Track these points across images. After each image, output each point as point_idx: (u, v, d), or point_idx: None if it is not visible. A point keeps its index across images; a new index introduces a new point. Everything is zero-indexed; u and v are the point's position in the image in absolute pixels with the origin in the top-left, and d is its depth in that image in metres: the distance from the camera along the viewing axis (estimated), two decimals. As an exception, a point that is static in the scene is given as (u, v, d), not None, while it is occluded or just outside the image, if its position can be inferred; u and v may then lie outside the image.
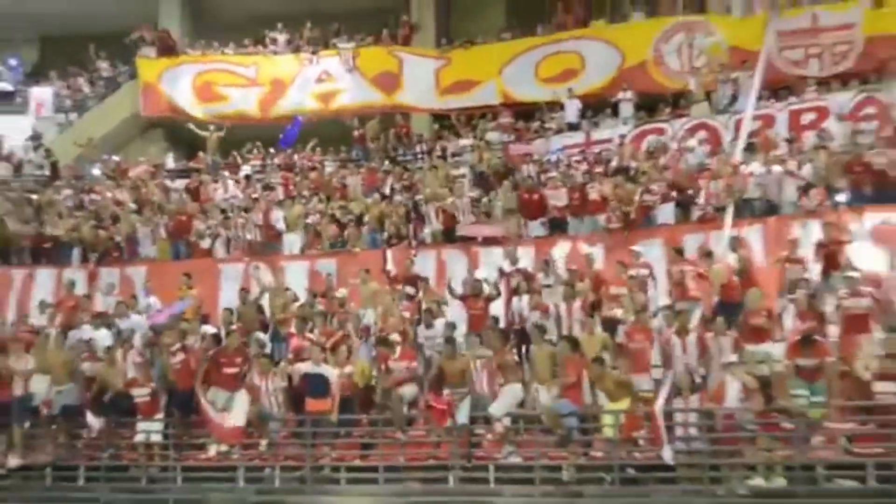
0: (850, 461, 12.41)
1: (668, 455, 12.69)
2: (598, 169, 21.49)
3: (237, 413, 14.83)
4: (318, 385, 14.72)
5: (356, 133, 27.58)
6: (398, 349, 15.17)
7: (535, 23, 29.56)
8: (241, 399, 14.93)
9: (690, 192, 19.41)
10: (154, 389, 15.55)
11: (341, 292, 18.03)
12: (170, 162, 28.90)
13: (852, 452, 12.54)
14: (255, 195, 23.66)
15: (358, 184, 23.74)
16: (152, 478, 15.28)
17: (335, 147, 27.82)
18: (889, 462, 12.13)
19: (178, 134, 30.93)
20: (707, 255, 16.56)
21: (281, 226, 21.52)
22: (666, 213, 19.36)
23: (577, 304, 15.87)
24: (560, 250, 18.98)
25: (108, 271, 21.38)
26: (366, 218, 21.49)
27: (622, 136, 23.74)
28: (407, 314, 16.75)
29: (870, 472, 12.17)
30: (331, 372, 14.76)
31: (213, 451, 15.10)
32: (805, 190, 18.38)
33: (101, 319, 18.05)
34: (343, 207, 22.37)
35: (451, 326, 15.87)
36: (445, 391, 14.27)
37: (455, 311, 16.96)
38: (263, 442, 14.93)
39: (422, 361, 15.57)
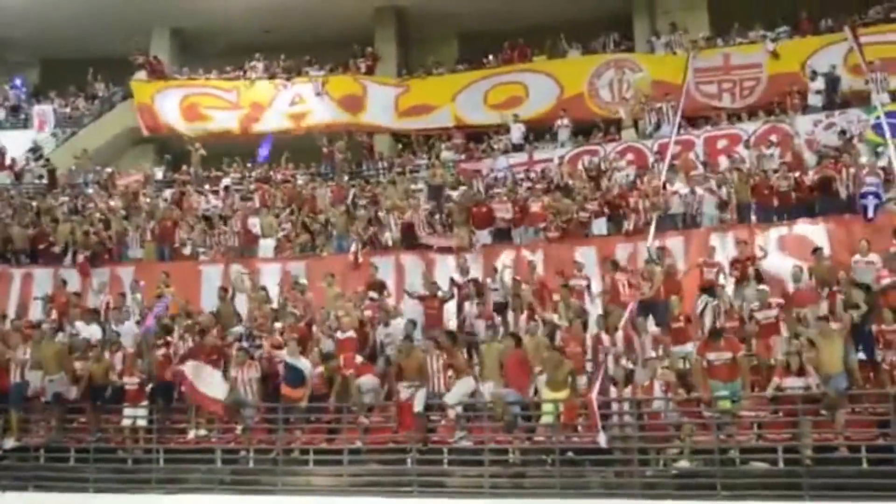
0: (762, 445, 12.36)
1: (602, 440, 12.48)
2: (540, 185, 21.27)
3: (217, 389, 14.43)
4: (295, 375, 14.38)
5: (325, 150, 27.10)
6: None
7: (484, 56, 29.42)
8: (220, 379, 14.52)
9: (620, 208, 19.20)
10: (142, 379, 15.16)
11: (302, 284, 17.77)
12: (158, 173, 28.16)
13: (764, 438, 12.49)
14: (234, 205, 23.16)
15: (326, 195, 23.26)
16: (137, 459, 14.91)
17: (306, 162, 27.36)
18: (795, 446, 12.03)
19: (166, 148, 30.32)
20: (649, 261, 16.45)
21: (257, 231, 21.01)
22: (599, 225, 19.15)
23: (524, 314, 15.62)
24: (505, 258, 18.63)
25: (100, 271, 20.67)
26: (332, 226, 21.00)
27: (561, 157, 23.59)
28: (369, 313, 16.44)
29: (779, 455, 12.12)
30: (306, 365, 14.44)
31: (192, 434, 14.76)
32: (720, 207, 18.32)
33: (92, 316, 17.51)
34: (312, 216, 21.91)
35: (412, 324, 15.50)
36: (404, 384, 13.92)
37: (412, 312, 16.63)
38: (239, 426, 14.63)
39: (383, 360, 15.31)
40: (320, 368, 14.60)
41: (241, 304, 17.89)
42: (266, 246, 20.92)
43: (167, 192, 25.20)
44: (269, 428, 14.59)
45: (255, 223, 21.16)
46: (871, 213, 16.95)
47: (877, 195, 17.12)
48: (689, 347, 13.96)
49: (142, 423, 14.98)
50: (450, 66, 30.03)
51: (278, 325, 15.96)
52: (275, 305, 17.40)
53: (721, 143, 22.32)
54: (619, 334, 14.30)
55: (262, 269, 19.86)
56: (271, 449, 14.28)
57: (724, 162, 20.65)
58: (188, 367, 14.50)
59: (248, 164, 27.42)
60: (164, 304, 17.22)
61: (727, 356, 12.71)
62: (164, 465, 14.59)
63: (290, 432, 14.40)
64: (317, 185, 24.65)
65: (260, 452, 14.35)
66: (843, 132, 20.36)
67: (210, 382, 14.49)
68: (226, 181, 26.16)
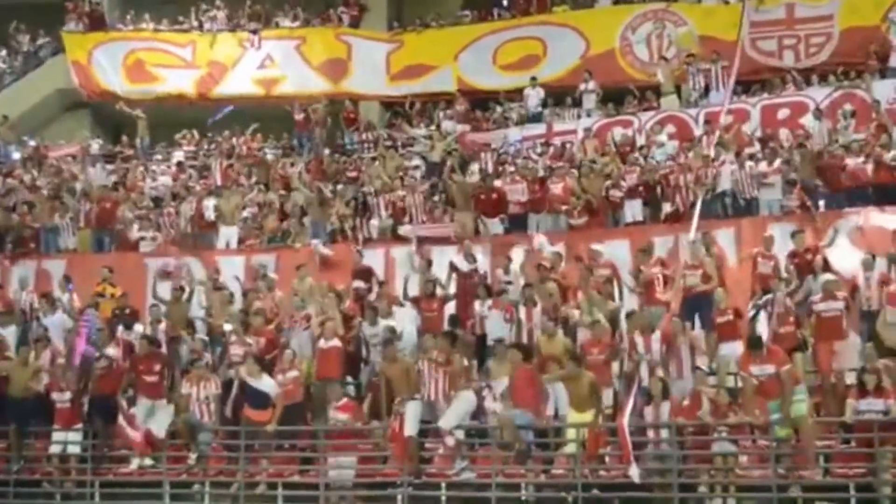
0: (830, 482, 12.29)
1: (635, 473, 12.40)
2: (561, 162, 21.24)
3: (158, 424, 14.42)
4: (258, 395, 14.39)
5: (299, 117, 27.01)
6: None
7: (494, 5, 29.34)
8: (163, 410, 14.44)
9: (659, 189, 19.17)
10: (74, 394, 15.15)
11: (271, 279, 17.86)
12: (95, 146, 28.07)
13: (832, 472, 12.44)
14: (188, 184, 23.14)
15: (301, 173, 23.21)
16: (67, 494, 14.86)
17: (276, 133, 27.28)
18: (871, 483, 12.01)
19: (106, 115, 30.27)
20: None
21: (211, 215, 20.99)
22: (633, 210, 19.12)
23: (538, 308, 15.49)
24: (520, 250, 18.59)
25: (23, 264, 20.62)
26: (308, 210, 21.01)
27: (586, 129, 23.48)
28: (350, 312, 16.48)
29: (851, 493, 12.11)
30: (271, 385, 14.43)
31: (135, 464, 14.77)
32: (782, 191, 18.28)
33: (10, 316, 17.55)
34: (284, 198, 21.90)
35: (392, 331, 15.46)
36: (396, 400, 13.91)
37: (410, 314, 16.62)
38: (192, 455, 14.56)
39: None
40: (293, 373, 14.57)
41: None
42: (227, 234, 20.91)
43: (107, 169, 25.08)
44: (229, 457, 14.53)
45: (210, 206, 21.15)
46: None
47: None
48: (739, 347, 13.87)
49: (74, 449, 14.93)
50: (452, 18, 29.92)
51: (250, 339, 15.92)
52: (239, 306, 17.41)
53: (782, 114, 22.29)
54: (656, 336, 14.10)
55: (222, 263, 19.85)
56: (232, 482, 14.23)
57: (786, 136, 20.58)
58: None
59: (207, 136, 27.40)
60: (88, 322, 17.11)
61: (769, 370, 12.48)
62: (99, 502, 14.53)
63: (254, 462, 14.35)
64: (290, 160, 24.57)
65: (217, 486, 14.30)
66: (932, 100, 20.31)
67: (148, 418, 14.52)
68: (178, 155, 26.09)
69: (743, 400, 12.99)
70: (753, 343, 13.00)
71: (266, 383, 14.41)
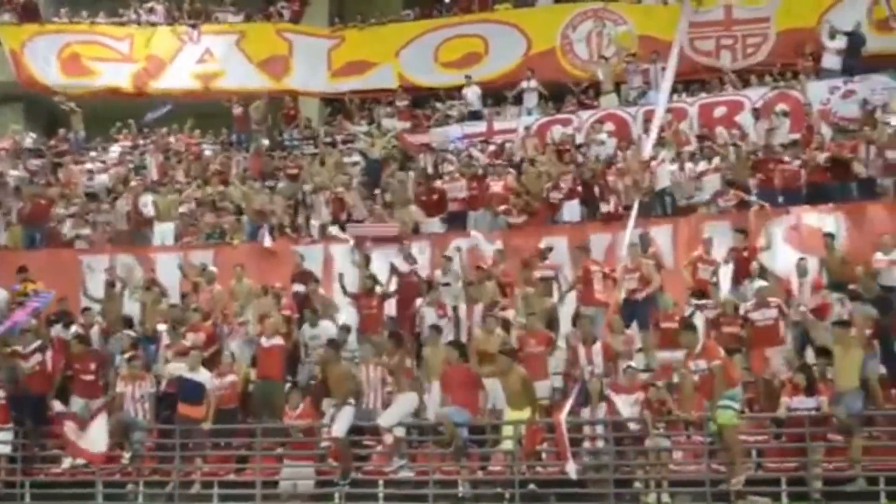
0: (763, 476, 12.47)
1: (572, 469, 12.48)
2: (501, 160, 21.32)
3: (96, 437, 14.21)
4: (192, 390, 14.31)
5: (237, 113, 26.78)
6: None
7: (436, 3, 29.37)
8: (100, 422, 14.31)
9: (597, 189, 19.29)
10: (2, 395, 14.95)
11: (211, 272, 17.79)
12: (28, 140, 27.62)
13: (765, 467, 12.65)
14: (124, 180, 22.89)
15: (239, 169, 23.01)
16: (-6, 495, 14.64)
17: (214, 128, 27.03)
18: (802, 477, 12.20)
19: (39, 109, 29.83)
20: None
21: (149, 212, 20.79)
22: (571, 210, 19.24)
23: (479, 306, 15.52)
24: (458, 247, 18.61)
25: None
26: (246, 207, 20.90)
27: (527, 127, 23.59)
28: (287, 312, 16.38)
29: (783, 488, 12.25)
30: (206, 377, 14.37)
31: (66, 464, 14.56)
32: (718, 190, 18.47)
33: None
34: (222, 195, 21.72)
35: (346, 329, 15.38)
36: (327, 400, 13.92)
37: (347, 312, 16.63)
38: (126, 454, 14.43)
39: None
40: (231, 377, 14.48)
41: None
42: (163, 231, 20.70)
43: (40, 163, 24.81)
44: (164, 456, 14.40)
45: (147, 202, 20.94)
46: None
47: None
48: (679, 355, 14.00)
49: (3, 449, 14.74)
50: (394, 15, 29.83)
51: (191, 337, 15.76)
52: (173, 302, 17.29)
53: (719, 112, 22.49)
54: (598, 346, 14.12)
55: (158, 260, 19.68)
56: (166, 482, 14.11)
57: (722, 135, 20.82)
58: (68, 430, 14.31)
59: (144, 131, 27.09)
60: (45, 298, 16.92)
61: (703, 366, 12.35)
62: (30, 503, 14.33)
63: (189, 461, 14.24)
64: (228, 156, 24.44)
65: (152, 486, 14.20)
66: (864, 102, 20.61)
67: (93, 437, 14.29)
68: (114, 151, 25.75)
69: (680, 396, 13.09)
70: (688, 327, 13.05)
71: (203, 375, 14.34)
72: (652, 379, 13.83)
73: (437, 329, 14.86)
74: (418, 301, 16.44)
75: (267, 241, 19.44)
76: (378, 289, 16.76)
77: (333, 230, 19.73)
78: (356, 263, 17.57)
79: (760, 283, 15.01)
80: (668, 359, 14.28)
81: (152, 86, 29.30)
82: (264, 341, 15.20)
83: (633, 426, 13.05)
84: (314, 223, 20.25)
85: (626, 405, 13.12)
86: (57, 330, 16.41)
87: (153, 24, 30.13)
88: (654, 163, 19.21)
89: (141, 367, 14.94)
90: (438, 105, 26.37)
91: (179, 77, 29.33)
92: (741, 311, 14.78)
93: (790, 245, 17.11)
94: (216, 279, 17.74)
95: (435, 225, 19.85)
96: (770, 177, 18.37)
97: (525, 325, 14.73)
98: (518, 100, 25.35)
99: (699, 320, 14.73)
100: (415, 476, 13.45)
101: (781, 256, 16.65)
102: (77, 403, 14.90)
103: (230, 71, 29.23)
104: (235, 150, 25.68)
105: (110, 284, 17.94)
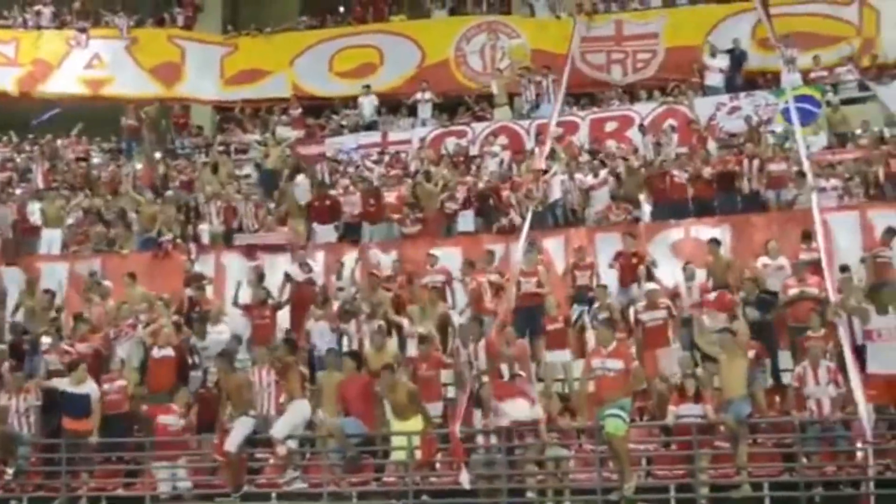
0: (652, 483, 12.67)
1: (465, 479, 12.53)
2: (395, 171, 21.40)
3: None
4: (77, 403, 14.03)
5: (128, 122, 26.21)
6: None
7: (330, 12, 29.36)
8: None
9: (491, 200, 19.45)
10: None
11: (106, 287, 17.48)
12: None
13: (653, 474, 12.86)
14: (8, 187, 22.51)
15: (129, 178, 22.59)
16: None
17: (103, 134, 26.49)
18: (690, 483, 12.44)
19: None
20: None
21: (37, 220, 20.33)
22: (466, 221, 19.35)
23: (374, 321, 15.49)
24: (351, 257, 18.59)
25: None
26: (135, 216, 20.53)
27: (421, 138, 23.72)
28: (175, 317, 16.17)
29: (671, 494, 12.50)
30: (92, 388, 14.11)
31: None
32: (608, 202, 18.83)
33: None
34: (110, 203, 21.38)
35: (237, 340, 15.21)
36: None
37: (236, 325, 16.40)
38: (9, 469, 14.13)
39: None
40: (121, 382, 14.25)
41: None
42: (50, 239, 20.24)
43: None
44: (49, 471, 14.08)
45: (34, 209, 20.46)
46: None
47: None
48: (567, 355, 14.28)
49: None
50: (288, 23, 29.64)
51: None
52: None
53: (610, 126, 22.93)
54: (481, 344, 14.11)
55: (45, 269, 19.26)
56: (53, 497, 13.81)
57: (612, 148, 21.16)
58: None
59: (28, 136, 26.47)
60: None
61: (616, 365, 12.23)
62: None
63: (75, 476, 13.95)
64: (118, 164, 23.99)
65: (37, 502, 13.88)
66: (748, 118, 21.26)
67: None
68: (-4, 156, 25.08)
69: (576, 402, 13.29)
70: (604, 323, 13.24)
71: (88, 387, 14.07)
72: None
73: (333, 353, 14.65)
74: (307, 314, 16.28)
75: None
76: (270, 300, 16.60)
77: (238, 238, 19.56)
78: (249, 282, 17.28)
79: (650, 285, 15.29)
80: (556, 361, 14.64)
81: (38, 90, 28.68)
82: (156, 352, 15.00)
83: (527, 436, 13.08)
84: (204, 230, 19.96)
85: (518, 411, 13.07)
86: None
87: (40, 28, 29.44)
88: (546, 175, 19.45)
89: (24, 377, 14.58)
90: (333, 115, 26.24)
91: (67, 82, 28.83)
92: (630, 314, 15.09)
93: (677, 257, 17.45)
94: (110, 294, 17.36)
95: (327, 232, 19.73)
96: (660, 191, 18.75)
97: (420, 344, 14.64)
98: (413, 111, 25.42)
99: (586, 323, 15.21)
100: (308, 488, 13.31)
101: (668, 268, 16.97)
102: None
103: (120, 77, 28.76)
104: (125, 157, 25.22)
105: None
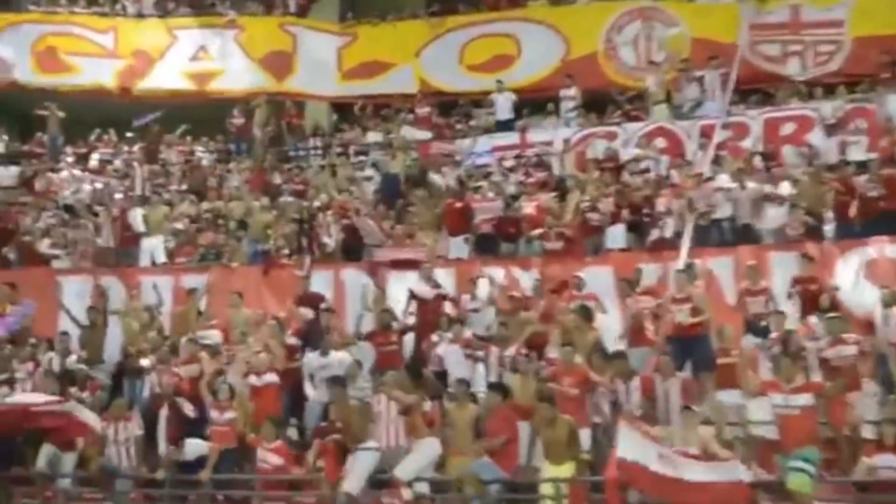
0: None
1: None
2: (536, 177, 21.39)
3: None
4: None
5: (236, 121, 26.80)
6: None
7: (459, -1, 29.52)
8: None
9: (646, 211, 19.22)
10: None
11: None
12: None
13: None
14: (108, 191, 23.13)
15: (239, 183, 23.06)
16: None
17: (211, 135, 27.13)
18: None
19: (11, 110, 29.83)
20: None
21: (140, 227, 20.96)
22: (616, 236, 19.18)
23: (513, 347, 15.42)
24: (487, 276, 18.55)
25: None
26: (248, 225, 20.95)
27: (565, 140, 23.49)
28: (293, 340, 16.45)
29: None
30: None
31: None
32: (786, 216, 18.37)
33: None
34: (216, 210, 21.88)
35: (358, 365, 15.35)
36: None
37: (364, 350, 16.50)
38: (106, 504, 14.46)
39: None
40: (230, 414, 14.42)
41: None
42: (152, 247, 20.77)
43: (12, 171, 24.95)
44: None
45: (136, 215, 21.05)
46: None
47: None
48: (738, 397, 13.87)
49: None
50: (413, 10, 29.94)
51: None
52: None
53: (787, 129, 22.36)
54: (634, 383, 14.01)
55: (145, 283, 19.57)
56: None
57: (790, 154, 20.74)
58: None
59: (127, 136, 27.28)
60: (22, 312, 17.05)
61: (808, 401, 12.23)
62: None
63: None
64: (227, 168, 24.53)
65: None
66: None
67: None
68: (94, 158, 25.95)
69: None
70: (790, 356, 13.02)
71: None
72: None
73: (465, 384, 14.51)
74: (435, 337, 16.34)
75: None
76: (395, 324, 16.68)
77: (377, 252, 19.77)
78: (371, 300, 17.40)
79: (832, 315, 14.90)
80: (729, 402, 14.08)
81: (139, 85, 29.56)
82: (255, 380, 15.27)
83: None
84: (326, 241, 20.20)
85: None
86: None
87: (141, 16, 30.30)
88: (710, 184, 19.13)
89: (126, 404, 14.96)
90: (464, 113, 26.35)
91: (170, 76, 29.61)
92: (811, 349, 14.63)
93: (869, 280, 16.97)
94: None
95: (459, 246, 19.83)
96: (847, 202, 18.22)
97: (561, 360, 14.57)
98: (556, 110, 25.28)
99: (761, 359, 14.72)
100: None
101: (858, 292, 16.54)
102: (46, 451, 14.51)
103: (228, 69, 29.47)
104: (234, 159, 25.79)
105: (93, 309, 17.99)
